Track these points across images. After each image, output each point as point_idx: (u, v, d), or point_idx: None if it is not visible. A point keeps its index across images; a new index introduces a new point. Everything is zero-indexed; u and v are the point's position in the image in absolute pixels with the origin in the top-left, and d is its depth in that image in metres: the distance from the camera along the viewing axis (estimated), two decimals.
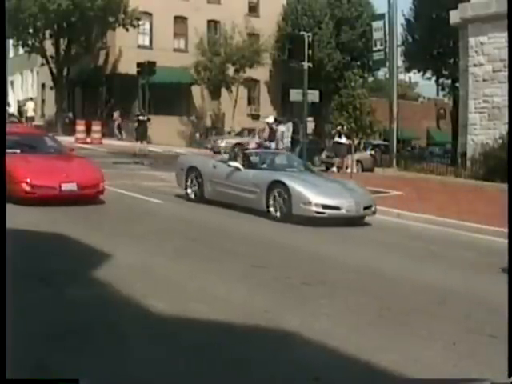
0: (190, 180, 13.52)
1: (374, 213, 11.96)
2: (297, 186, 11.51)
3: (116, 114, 35.63)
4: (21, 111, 38.55)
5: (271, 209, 11.64)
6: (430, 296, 6.76)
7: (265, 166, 13.08)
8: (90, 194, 11.63)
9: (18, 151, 11.83)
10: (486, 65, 21.06)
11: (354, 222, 11.53)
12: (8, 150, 10.36)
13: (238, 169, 12.69)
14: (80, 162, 13.08)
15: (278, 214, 11.49)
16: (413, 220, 12.45)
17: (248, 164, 12.89)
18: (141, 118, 26.70)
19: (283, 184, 11.57)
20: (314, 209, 11.17)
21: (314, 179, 12.57)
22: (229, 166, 12.84)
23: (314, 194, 11.37)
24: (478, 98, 21.29)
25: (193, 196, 13.39)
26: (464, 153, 21.75)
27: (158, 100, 33.99)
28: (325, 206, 11.22)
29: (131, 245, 8.28)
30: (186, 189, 13.59)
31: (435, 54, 35.67)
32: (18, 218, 8.91)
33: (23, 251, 7.27)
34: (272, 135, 19.20)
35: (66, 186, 11.26)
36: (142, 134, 25.95)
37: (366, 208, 11.74)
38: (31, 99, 40.79)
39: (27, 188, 10.93)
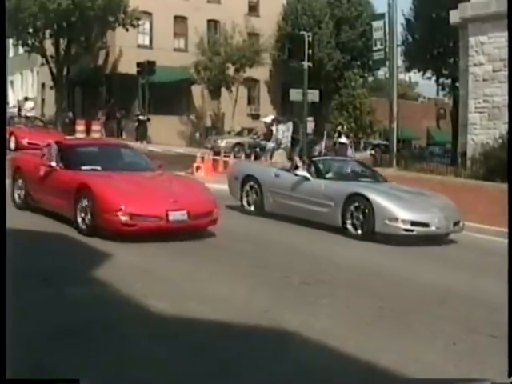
0: (246, 190, 12.10)
1: (462, 229, 10.58)
2: (380, 199, 10.07)
3: (100, 113, 35.72)
4: (20, 111, 38.49)
5: (349, 225, 10.21)
6: (430, 296, 6.76)
7: (335, 175, 11.66)
8: (203, 224, 9.08)
9: (99, 168, 9.67)
10: (486, 64, 21.03)
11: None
12: (85, 167, 9.56)
13: (306, 179, 11.27)
14: (183, 181, 10.59)
15: (359, 231, 10.09)
16: None
17: (317, 173, 11.46)
18: (141, 117, 26.70)
19: (364, 197, 10.13)
20: (402, 226, 9.77)
21: (395, 190, 11.03)
22: (295, 175, 11.42)
23: (400, 208, 9.96)
24: (478, 98, 21.26)
25: (252, 208, 11.98)
26: (464, 152, 21.71)
27: (158, 100, 33.97)
28: (413, 223, 9.85)
29: (131, 245, 8.27)
30: (241, 200, 12.18)
31: (435, 54, 35.64)
32: (18, 218, 8.92)
33: (23, 251, 7.27)
34: (269, 135, 19.15)
35: (174, 215, 8.58)
36: (141, 134, 25.92)
37: (455, 224, 10.37)
38: (26, 98, 40.73)
39: (124, 218, 8.35)
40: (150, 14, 37.66)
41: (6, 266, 4.52)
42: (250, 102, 41.63)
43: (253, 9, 41.36)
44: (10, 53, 43.94)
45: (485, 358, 4.94)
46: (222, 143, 29.21)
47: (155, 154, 25.98)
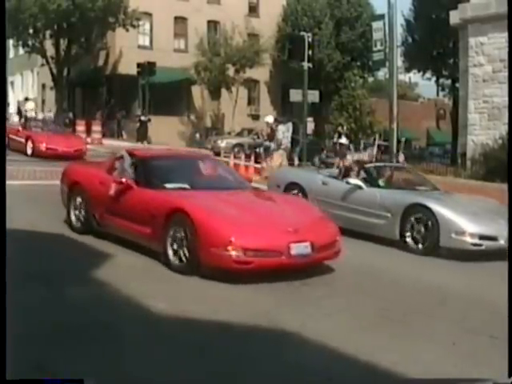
0: None
1: None
2: (444, 210, 9.20)
3: (98, 114, 35.81)
4: (20, 111, 38.50)
5: (408, 239, 9.37)
6: (430, 296, 6.76)
7: (390, 183, 10.95)
8: (326, 257, 7.42)
9: (187, 186, 8.02)
10: (485, 65, 21.04)
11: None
12: (170, 185, 7.88)
13: (359, 187, 10.43)
14: (293, 202, 8.74)
15: (420, 245, 9.27)
16: None
17: (371, 181, 10.63)
18: (142, 118, 26.72)
19: (426, 208, 9.27)
20: (470, 240, 8.88)
21: (457, 200, 10.30)
22: (347, 183, 10.54)
23: (467, 220, 9.07)
24: (478, 99, 21.28)
25: None
26: (464, 153, 21.73)
27: (158, 100, 33.99)
28: (482, 237, 8.95)
29: (130, 244, 8.27)
30: None
31: (435, 55, 35.68)
32: (18, 217, 8.91)
33: (23, 251, 7.27)
34: (272, 135, 19.14)
35: (296, 248, 6.88)
36: (142, 135, 25.94)
37: None
38: (26, 99, 40.74)
39: (236, 254, 6.61)
40: (150, 15, 37.70)
41: (6, 266, 4.52)
42: (250, 102, 41.65)
43: (253, 9, 41.39)
44: (11, 53, 43.99)
45: (485, 358, 4.94)
46: (222, 144, 29.23)
47: None
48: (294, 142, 22.48)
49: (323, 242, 7.24)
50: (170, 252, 7.11)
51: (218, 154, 23.43)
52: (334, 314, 5.88)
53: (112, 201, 8.19)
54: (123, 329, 5.20)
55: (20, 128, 22.86)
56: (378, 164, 12.85)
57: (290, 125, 20.54)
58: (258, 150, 23.51)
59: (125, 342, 4.91)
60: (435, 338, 5.37)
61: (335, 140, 26.98)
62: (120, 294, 6.10)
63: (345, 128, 30.05)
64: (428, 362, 4.82)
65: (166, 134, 34.06)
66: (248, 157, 23.96)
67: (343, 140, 25.65)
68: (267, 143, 19.43)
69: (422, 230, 9.28)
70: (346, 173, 11.10)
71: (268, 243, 6.84)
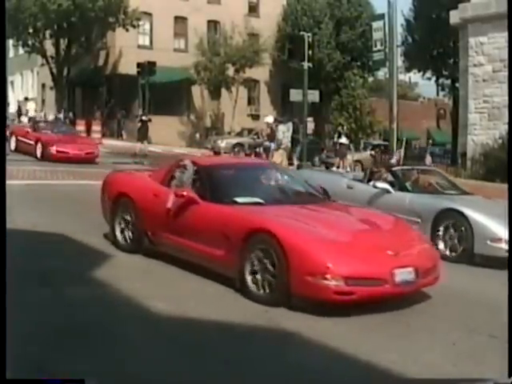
0: None
1: None
2: (478, 215, 8.74)
3: (98, 114, 35.93)
4: (20, 111, 38.51)
5: (441, 245, 8.88)
6: (430, 296, 6.76)
7: (418, 187, 10.51)
8: (428, 283, 6.38)
9: (261, 201, 6.96)
10: (485, 65, 21.06)
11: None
12: (241, 200, 6.83)
13: (387, 191, 10.06)
14: (387, 220, 7.29)
15: (453, 252, 8.81)
16: None
17: (399, 185, 10.23)
18: (143, 118, 26.72)
19: (459, 213, 8.83)
20: (505, 247, 8.36)
21: (490, 205, 9.77)
22: (375, 187, 10.18)
23: (502, 226, 8.53)
24: (478, 98, 21.29)
25: None
26: (464, 153, 21.76)
27: (158, 100, 33.99)
28: None
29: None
30: None
31: (435, 54, 35.68)
32: (18, 217, 8.91)
33: (23, 251, 7.27)
34: (272, 135, 19.15)
35: (400, 275, 5.92)
36: (143, 135, 25.96)
37: None
38: (26, 99, 40.74)
39: (336, 284, 5.63)
40: (150, 15, 37.71)
41: (6, 266, 4.52)
42: (249, 102, 41.67)
43: (253, 9, 41.40)
44: (11, 53, 43.98)
45: (485, 358, 4.94)
46: (222, 143, 29.25)
47: (155, 155, 26.07)
48: (294, 141, 22.49)
49: (426, 266, 6.26)
50: (249, 279, 6.08)
51: (218, 153, 23.43)
52: (334, 314, 5.88)
53: (170, 216, 7.10)
54: (123, 329, 5.20)
55: (29, 130, 22.27)
56: (405, 167, 12.33)
57: (290, 125, 20.56)
58: (257, 149, 23.54)
59: (125, 342, 4.91)
60: (435, 338, 5.37)
61: (335, 140, 26.99)
62: (120, 294, 6.10)
63: (345, 128, 30.04)
64: (428, 362, 4.82)
65: (165, 134, 34.09)
66: (248, 156, 23.98)
67: (343, 140, 25.69)
68: (267, 143, 19.44)
69: (455, 236, 8.85)
70: (371, 176, 10.75)
71: (371, 270, 5.85)
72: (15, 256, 6.00)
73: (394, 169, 11.13)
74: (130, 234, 7.69)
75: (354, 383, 4.52)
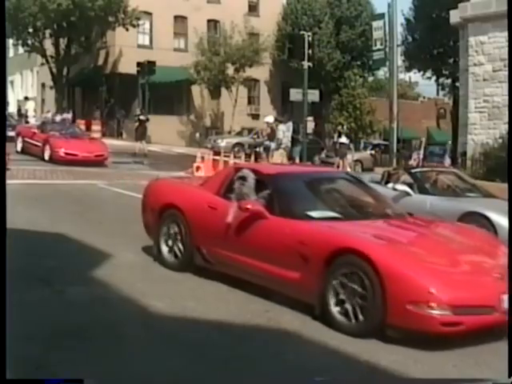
0: None
1: None
2: (503, 219, 8.36)
3: (97, 113, 35.89)
4: (20, 111, 38.51)
5: None
6: None
7: (439, 189, 10.15)
8: None
9: (339, 216, 6.20)
10: (486, 64, 21.05)
11: None
12: (317, 214, 6.09)
13: (407, 194, 9.69)
14: (482, 237, 6.61)
15: None
16: None
17: (419, 187, 9.88)
18: (141, 117, 26.72)
19: (483, 217, 8.47)
20: None
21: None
22: (394, 189, 9.75)
23: None
24: (478, 98, 21.29)
25: None
26: (464, 152, 21.75)
27: (158, 100, 34.01)
28: None
29: (130, 244, 8.27)
30: None
31: (435, 54, 35.67)
32: (18, 217, 8.90)
33: (23, 251, 7.27)
34: (272, 135, 19.15)
35: (507, 301, 5.10)
36: (141, 134, 25.97)
37: None
38: (26, 98, 40.71)
39: (442, 313, 4.93)
40: (150, 14, 37.71)
41: (6, 266, 4.52)
42: (249, 101, 41.66)
43: (252, 9, 41.39)
44: (10, 53, 43.97)
45: (485, 358, 4.94)
46: (222, 143, 29.25)
47: (155, 154, 26.09)
48: (294, 141, 22.50)
49: None
50: (332, 303, 5.34)
51: (217, 153, 23.43)
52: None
53: (230, 231, 6.34)
54: (123, 329, 5.20)
55: (36, 131, 21.52)
56: (424, 169, 11.92)
57: (290, 124, 20.58)
58: (258, 149, 23.55)
59: (125, 342, 4.91)
60: (435, 338, 5.37)
61: (335, 139, 26.99)
62: (120, 294, 6.10)
63: (345, 127, 30.03)
64: (428, 362, 4.81)
65: (165, 134, 34.10)
66: (248, 156, 23.99)
67: (343, 139, 25.69)
68: (267, 143, 19.44)
69: None
70: (389, 178, 10.45)
71: (479, 296, 5.10)
72: (15, 256, 6.00)
73: (413, 170, 10.74)
74: (179, 249, 6.93)
75: (354, 383, 4.52)
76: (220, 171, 7.85)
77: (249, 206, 6.15)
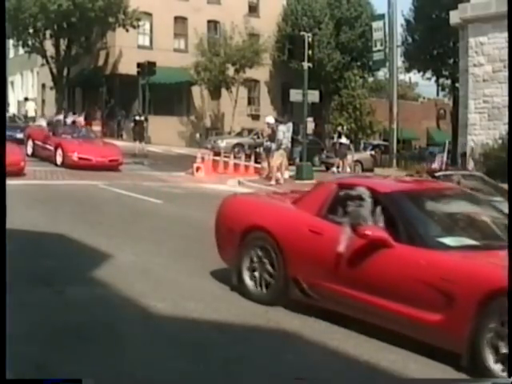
0: None
1: None
2: None
3: (97, 114, 35.95)
4: (20, 111, 38.54)
5: None
6: None
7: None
8: None
9: (478, 244, 5.26)
10: (485, 65, 21.06)
11: None
12: (451, 242, 5.16)
13: None
14: None
15: None
16: None
17: None
18: (137, 118, 26.71)
19: None
20: None
21: None
22: None
23: None
24: (478, 98, 21.29)
25: None
26: (464, 153, 21.75)
27: (158, 100, 33.99)
28: None
29: (130, 245, 8.27)
30: None
31: (435, 55, 35.68)
32: (18, 217, 8.90)
33: (23, 251, 7.27)
34: (272, 135, 19.13)
35: None
36: (139, 135, 25.97)
37: None
38: (26, 99, 40.71)
39: None
40: (150, 15, 37.70)
41: (6, 266, 4.52)
42: (250, 102, 41.65)
43: (253, 9, 41.38)
44: (11, 53, 43.98)
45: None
46: (222, 144, 29.23)
47: (155, 155, 26.10)
48: (294, 142, 22.48)
49: None
50: (489, 357, 4.42)
51: (218, 153, 23.44)
52: (333, 314, 5.87)
53: (341, 261, 5.40)
54: (123, 329, 5.20)
55: (47, 133, 20.80)
56: (448, 172, 11.52)
57: (290, 125, 20.54)
58: (258, 149, 23.53)
59: (125, 342, 4.91)
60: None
61: (335, 140, 26.98)
62: (120, 294, 6.10)
63: (345, 128, 30.03)
64: (428, 361, 4.81)
65: (165, 134, 34.10)
66: (248, 157, 23.99)
67: (343, 140, 25.69)
68: (268, 143, 19.43)
69: None
70: None
71: None
72: (15, 256, 6.00)
73: (436, 174, 10.30)
74: (267, 279, 5.95)
75: (354, 383, 4.53)
76: (318, 187, 6.51)
77: (369, 232, 5.20)
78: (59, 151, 18.88)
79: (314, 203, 6.00)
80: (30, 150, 20.49)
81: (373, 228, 5.25)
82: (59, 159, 18.81)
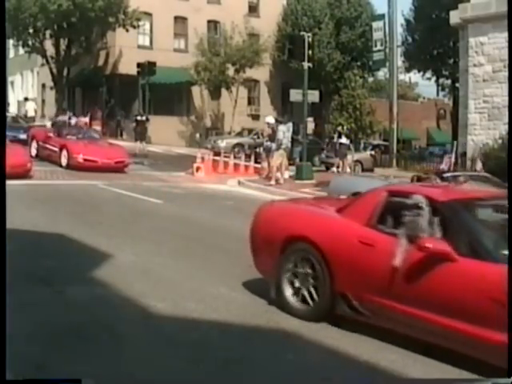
0: None
1: None
2: None
3: (97, 114, 35.97)
4: (19, 112, 38.52)
5: None
6: None
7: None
8: None
9: None
10: (485, 65, 21.05)
11: None
12: None
13: None
14: None
15: None
16: None
17: None
18: (138, 118, 26.71)
19: None
20: None
21: None
22: None
23: None
24: (478, 98, 21.28)
25: None
26: (464, 153, 21.74)
27: (158, 100, 33.99)
28: None
29: (130, 245, 8.27)
30: None
31: (435, 55, 35.70)
32: (18, 217, 8.90)
33: (23, 251, 7.27)
34: (272, 135, 19.13)
35: None
36: (140, 134, 25.96)
37: None
38: (26, 99, 40.68)
39: None
40: (150, 15, 37.69)
41: (7, 266, 4.52)
42: (250, 102, 41.65)
43: (253, 9, 41.38)
44: (11, 53, 43.98)
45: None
46: (222, 143, 29.24)
47: (155, 155, 26.09)
48: (294, 141, 22.49)
49: None
50: None
51: (218, 153, 23.45)
52: (333, 314, 5.86)
53: (397, 276, 5.01)
54: (123, 329, 5.20)
55: (51, 134, 20.42)
56: (456, 173, 11.27)
57: (290, 125, 20.55)
58: (258, 149, 23.54)
59: (124, 342, 4.91)
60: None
61: (335, 140, 26.98)
62: (120, 294, 6.10)
63: (345, 128, 30.02)
64: (428, 362, 4.81)
65: (165, 134, 34.11)
66: (248, 157, 24.00)
67: (343, 140, 25.69)
68: (268, 143, 19.44)
69: None
70: (419, 182, 9.83)
71: None
72: (15, 256, 6.00)
73: (444, 175, 10.06)
74: (311, 294, 5.59)
75: (354, 383, 4.53)
76: (366, 195, 6.06)
77: (429, 245, 4.81)
78: (64, 152, 18.60)
79: (362, 212, 5.59)
80: (33, 151, 20.19)
81: (434, 240, 4.86)
82: (64, 161, 18.53)
